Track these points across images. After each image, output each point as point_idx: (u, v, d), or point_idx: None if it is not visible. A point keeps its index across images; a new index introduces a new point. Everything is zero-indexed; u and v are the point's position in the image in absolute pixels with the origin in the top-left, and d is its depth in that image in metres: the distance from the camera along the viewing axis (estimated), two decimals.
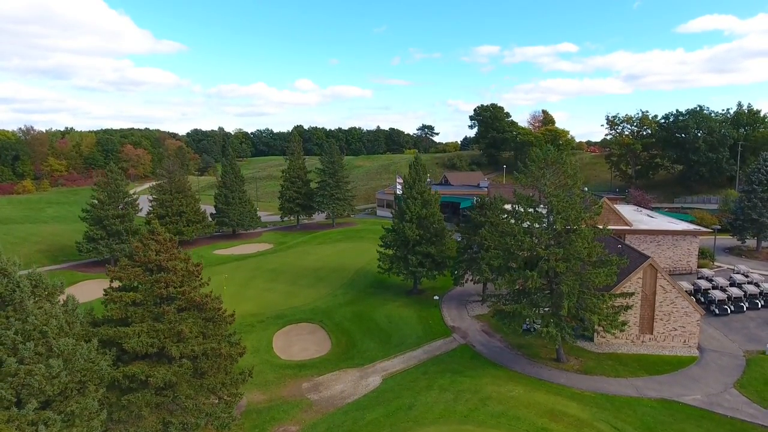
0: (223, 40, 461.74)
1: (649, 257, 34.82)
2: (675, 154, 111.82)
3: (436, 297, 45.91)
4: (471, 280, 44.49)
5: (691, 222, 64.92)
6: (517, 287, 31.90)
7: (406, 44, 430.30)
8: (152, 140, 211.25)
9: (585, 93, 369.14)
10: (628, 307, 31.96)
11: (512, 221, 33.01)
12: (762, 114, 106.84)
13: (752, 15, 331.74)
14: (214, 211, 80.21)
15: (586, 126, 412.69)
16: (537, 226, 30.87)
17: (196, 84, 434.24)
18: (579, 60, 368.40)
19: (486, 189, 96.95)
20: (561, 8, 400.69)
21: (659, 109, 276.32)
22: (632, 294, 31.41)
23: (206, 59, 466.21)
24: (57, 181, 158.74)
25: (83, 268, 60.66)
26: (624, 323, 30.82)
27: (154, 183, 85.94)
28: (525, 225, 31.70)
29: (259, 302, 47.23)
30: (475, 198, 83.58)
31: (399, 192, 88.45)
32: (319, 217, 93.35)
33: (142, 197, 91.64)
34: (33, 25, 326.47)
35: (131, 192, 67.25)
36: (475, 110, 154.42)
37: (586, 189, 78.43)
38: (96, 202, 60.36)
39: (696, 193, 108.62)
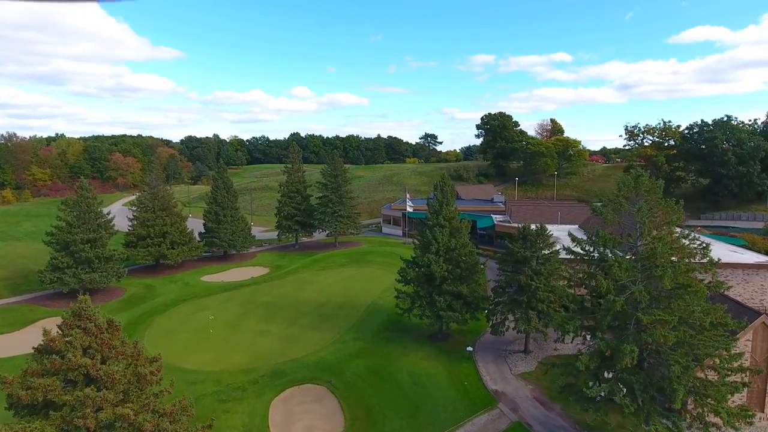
0: (221, 47, 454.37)
1: (762, 313, 26.75)
2: (700, 167, 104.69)
3: (469, 348, 37.50)
4: (514, 329, 36.24)
5: (743, 246, 57.20)
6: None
7: (402, 52, 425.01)
8: (144, 148, 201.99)
9: (579, 102, 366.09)
10: (745, 385, 23.89)
11: (589, 267, 24.96)
12: None
13: (743, 27, 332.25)
14: (203, 229, 71.77)
15: (582, 134, 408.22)
16: (628, 280, 22.73)
17: (192, 91, 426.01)
18: (573, 69, 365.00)
19: (502, 204, 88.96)
20: (555, 18, 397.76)
21: (653, 118, 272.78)
22: (760, 371, 23.28)
23: (203, 66, 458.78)
24: (40, 191, 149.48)
25: (47, 301, 51.87)
26: (747, 411, 22.69)
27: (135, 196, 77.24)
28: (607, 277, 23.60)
29: (252, 352, 38.76)
30: (493, 217, 75.47)
31: (410, 210, 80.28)
32: (319, 235, 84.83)
33: (123, 210, 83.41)
34: (31, 32, 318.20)
35: (106, 212, 58.50)
36: (482, 119, 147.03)
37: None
38: (63, 224, 51.82)
39: (723, 209, 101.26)
